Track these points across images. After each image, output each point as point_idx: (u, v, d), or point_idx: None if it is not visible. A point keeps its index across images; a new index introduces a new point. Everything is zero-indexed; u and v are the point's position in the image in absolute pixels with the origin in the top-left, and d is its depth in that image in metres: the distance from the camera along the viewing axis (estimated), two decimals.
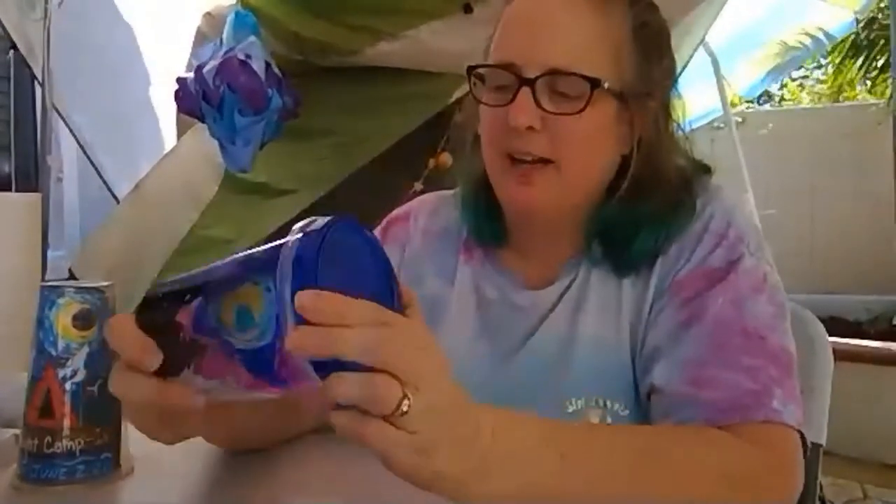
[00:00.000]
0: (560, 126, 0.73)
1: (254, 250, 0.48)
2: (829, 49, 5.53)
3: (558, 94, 0.73)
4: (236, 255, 0.50)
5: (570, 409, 0.75)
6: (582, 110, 0.72)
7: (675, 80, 0.82)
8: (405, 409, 0.44)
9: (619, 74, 0.74)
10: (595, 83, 0.72)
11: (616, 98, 0.74)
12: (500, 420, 0.52)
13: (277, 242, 0.47)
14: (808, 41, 3.75)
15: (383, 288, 0.49)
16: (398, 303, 0.51)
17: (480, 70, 0.78)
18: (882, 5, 4.75)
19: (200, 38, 2.43)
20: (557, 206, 0.77)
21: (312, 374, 0.45)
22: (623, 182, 0.78)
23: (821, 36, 3.74)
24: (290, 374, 0.46)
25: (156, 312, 0.53)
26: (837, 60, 5.51)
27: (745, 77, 3.93)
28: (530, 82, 0.72)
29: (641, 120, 0.77)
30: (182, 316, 0.51)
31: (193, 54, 2.42)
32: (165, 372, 0.52)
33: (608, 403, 0.74)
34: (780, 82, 7.19)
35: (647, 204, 0.77)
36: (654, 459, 0.60)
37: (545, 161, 0.74)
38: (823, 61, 6.75)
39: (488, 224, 0.85)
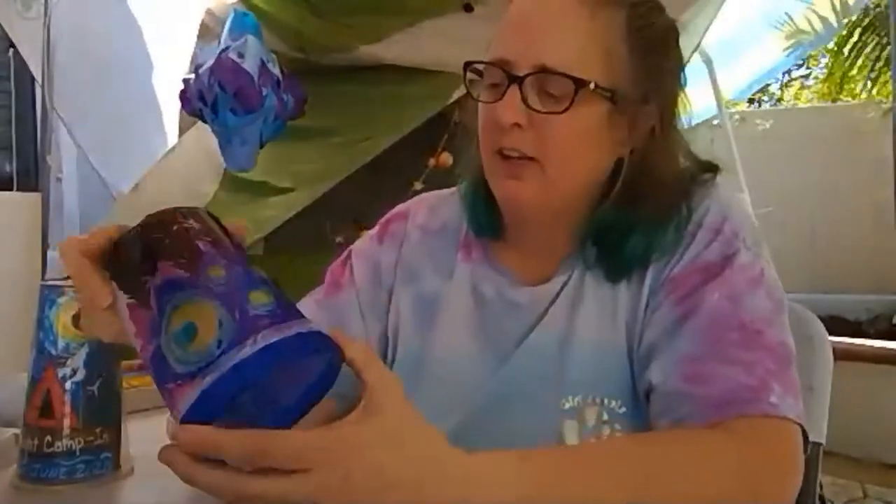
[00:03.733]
0: (546, 125, 0.74)
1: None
2: (828, 49, 5.54)
3: (546, 93, 0.74)
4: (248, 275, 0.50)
5: (567, 406, 0.75)
6: (566, 110, 0.72)
7: (683, 82, 0.82)
8: None
9: (610, 77, 0.74)
10: (580, 83, 0.72)
11: (607, 100, 0.74)
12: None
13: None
14: (818, 24, 3.65)
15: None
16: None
17: (478, 67, 0.79)
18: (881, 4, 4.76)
19: (204, 33, 2.43)
20: (544, 203, 0.77)
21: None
22: (625, 182, 0.78)
23: (832, 20, 3.59)
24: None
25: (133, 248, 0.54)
26: (837, 59, 5.50)
27: (733, 80, 3.93)
28: (519, 80, 0.73)
29: (638, 124, 0.77)
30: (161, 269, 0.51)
31: (195, 52, 2.42)
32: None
33: (605, 401, 0.74)
34: (776, 82, 7.19)
35: (641, 208, 0.76)
36: (647, 488, 0.59)
37: (531, 159, 0.75)
38: (824, 61, 6.74)
39: (486, 217, 0.85)
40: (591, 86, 0.73)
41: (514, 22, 0.77)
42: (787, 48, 3.74)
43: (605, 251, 0.78)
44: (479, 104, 0.79)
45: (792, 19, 3.64)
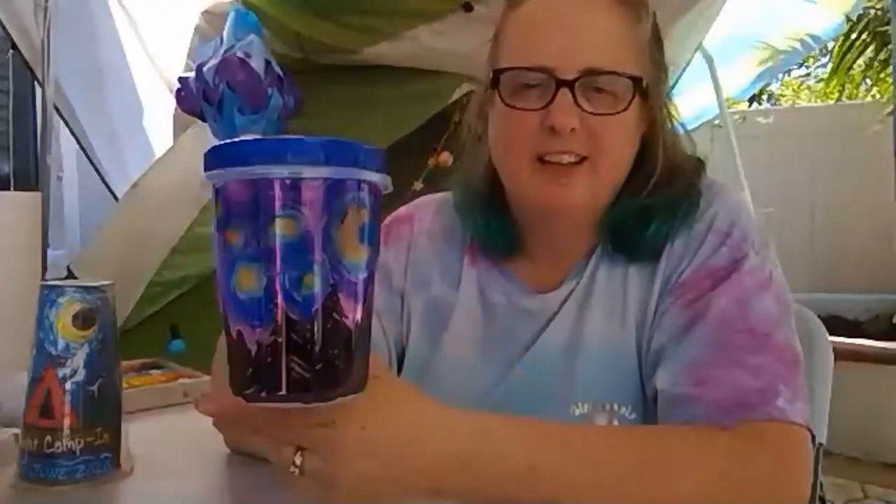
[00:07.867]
0: (598, 125, 0.73)
1: None
2: (830, 48, 5.53)
3: (595, 93, 0.73)
4: None
5: (577, 413, 0.75)
6: (626, 109, 0.73)
7: (666, 72, 0.83)
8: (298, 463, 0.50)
9: (642, 70, 0.75)
10: (637, 81, 0.73)
11: (641, 94, 0.75)
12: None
13: None
14: (797, 44, 3.77)
15: None
16: None
17: (505, 74, 0.76)
18: (881, 5, 4.76)
19: (199, 36, 2.43)
20: (590, 203, 0.77)
21: None
22: (636, 173, 0.78)
23: (809, 39, 3.76)
24: None
25: None
26: (838, 59, 5.50)
27: (736, 79, 3.93)
28: (569, 84, 0.72)
29: (657, 112, 0.78)
30: None
31: (192, 52, 2.42)
32: None
33: (615, 407, 0.74)
34: (776, 81, 7.19)
35: (663, 193, 0.77)
36: (648, 468, 0.60)
37: (580, 160, 0.74)
38: (824, 60, 6.74)
39: (499, 232, 0.84)
40: (644, 83, 0.73)
41: (545, 24, 0.75)
42: (789, 45, 3.76)
43: (626, 237, 0.78)
44: (504, 111, 0.76)
45: (794, 17, 3.65)
